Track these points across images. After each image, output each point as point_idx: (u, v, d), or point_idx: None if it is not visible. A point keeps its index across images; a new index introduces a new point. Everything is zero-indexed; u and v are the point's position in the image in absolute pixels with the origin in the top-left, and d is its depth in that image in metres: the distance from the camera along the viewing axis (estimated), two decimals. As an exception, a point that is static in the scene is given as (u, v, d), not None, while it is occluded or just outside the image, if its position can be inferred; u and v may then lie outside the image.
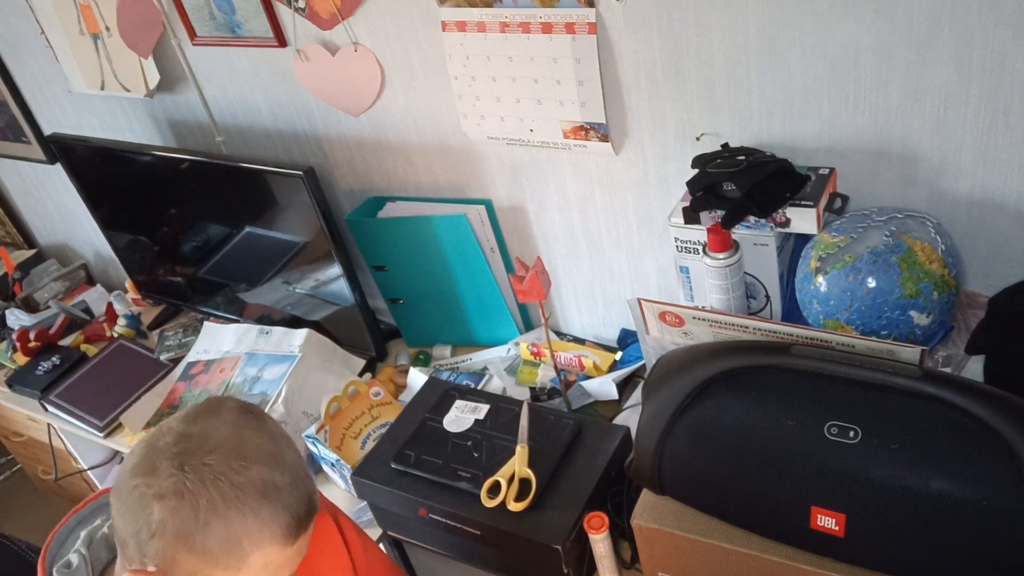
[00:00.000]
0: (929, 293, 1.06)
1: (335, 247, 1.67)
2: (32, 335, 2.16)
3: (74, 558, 0.95)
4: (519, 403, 1.36)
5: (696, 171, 1.22)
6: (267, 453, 0.87)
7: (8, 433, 2.46)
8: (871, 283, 1.07)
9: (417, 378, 1.64)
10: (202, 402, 0.92)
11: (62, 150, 2.05)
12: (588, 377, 1.59)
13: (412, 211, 1.70)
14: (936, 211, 1.19)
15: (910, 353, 0.93)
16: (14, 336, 2.18)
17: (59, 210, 2.61)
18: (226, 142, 1.97)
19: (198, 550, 0.83)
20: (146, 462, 0.85)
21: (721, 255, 1.21)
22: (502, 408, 1.36)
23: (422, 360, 1.82)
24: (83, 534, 0.97)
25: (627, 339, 1.66)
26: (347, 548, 1.14)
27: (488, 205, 1.64)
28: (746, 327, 1.08)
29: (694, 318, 1.13)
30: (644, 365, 1.46)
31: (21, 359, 2.16)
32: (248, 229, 1.84)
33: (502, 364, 1.72)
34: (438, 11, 1.43)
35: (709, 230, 1.20)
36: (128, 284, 2.31)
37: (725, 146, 1.27)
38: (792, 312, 1.29)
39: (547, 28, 1.33)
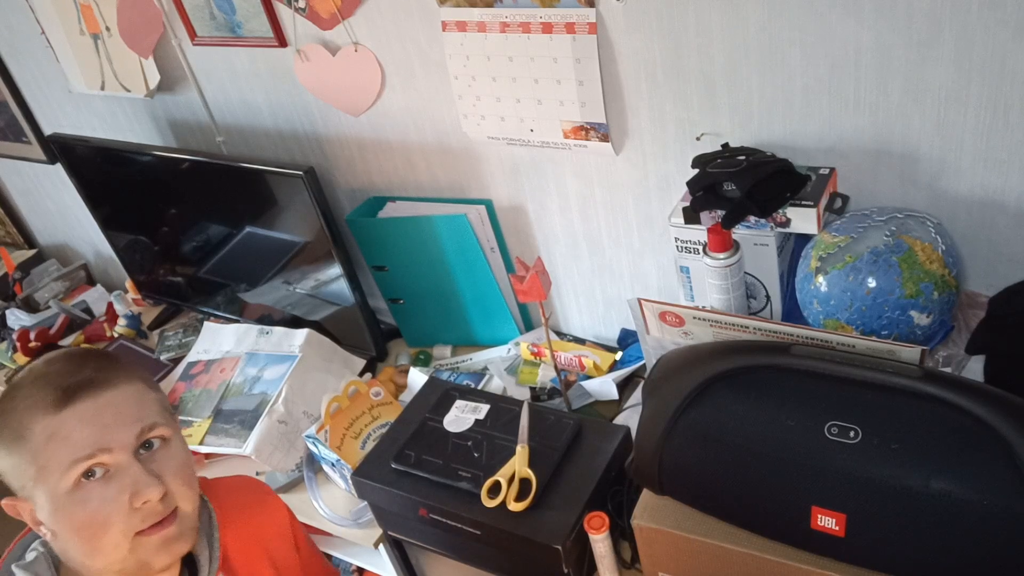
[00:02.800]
0: (929, 293, 1.06)
1: (335, 247, 1.67)
2: (32, 335, 2.16)
3: (30, 555, 0.97)
4: (519, 403, 1.36)
5: (696, 171, 1.22)
6: (53, 359, 0.94)
7: (8, 433, 2.46)
8: (871, 283, 1.07)
9: (417, 378, 1.64)
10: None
11: (62, 150, 2.05)
12: (588, 377, 1.59)
13: (412, 211, 1.70)
14: (936, 211, 1.19)
15: (910, 353, 0.93)
16: (14, 336, 2.18)
17: (59, 210, 2.61)
18: (226, 142, 1.97)
19: (5, 453, 0.90)
20: None
21: (721, 255, 1.21)
22: (502, 408, 1.36)
23: (422, 360, 1.82)
24: (40, 539, 0.99)
25: (627, 339, 1.66)
26: (290, 523, 1.18)
27: (488, 205, 1.64)
28: (746, 327, 1.08)
29: (694, 318, 1.13)
30: (644, 365, 1.46)
31: (21, 359, 2.16)
32: (248, 229, 1.84)
33: (502, 364, 1.72)
34: (438, 11, 1.43)
35: (709, 230, 1.20)
36: (128, 284, 2.31)
37: (725, 146, 1.27)
38: (792, 312, 1.29)
39: (547, 28, 1.33)
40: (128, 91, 2.01)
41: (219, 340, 1.90)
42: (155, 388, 0.99)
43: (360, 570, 1.75)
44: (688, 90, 1.28)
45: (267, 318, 1.97)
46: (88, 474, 0.89)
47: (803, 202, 1.16)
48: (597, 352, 1.62)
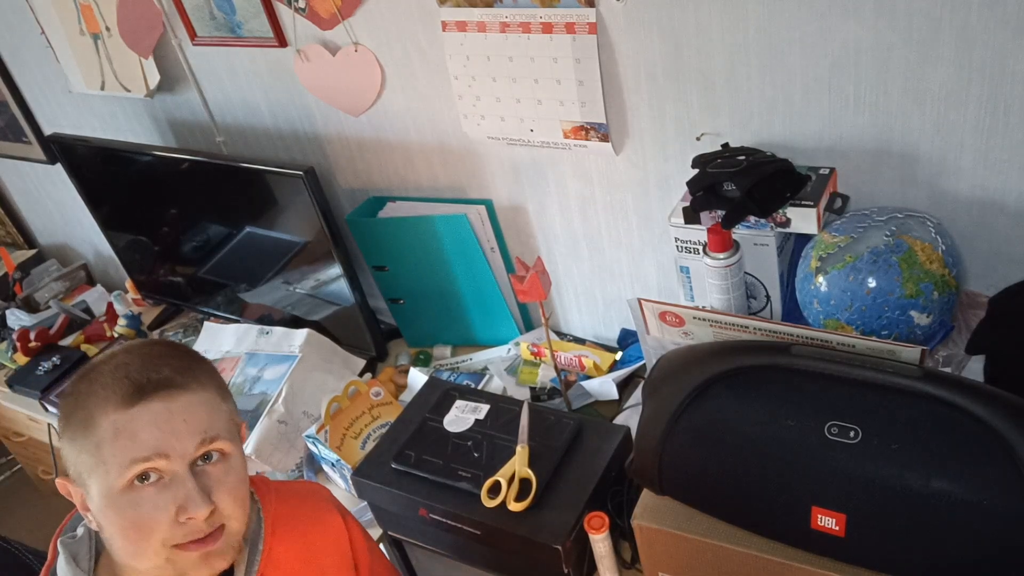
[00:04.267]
0: (929, 293, 1.06)
1: (335, 247, 1.67)
2: (32, 335, 2.16)
3: (80, 530, 0.98)
4: (519, 403, 1.36)
5: (696, 171, 1.22)
6: (137, 348, 0.93)
7: (8, 433, 2.46)
8: (871, 283, 1.07)
9: (417, 378, 1.64)
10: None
11: (62, 150, 2.05)
12: (588, 377, 1.59)
13: (412, 211, 1.70)
14: (936, 211, 1.19)
15: (910, 353, 0.93)
16: (14, 336, 2.18)
17: (59, 210, 2.61)
18: (226, 142, 1.97)
19: (70, 436, 0.90)
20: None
21: (721, 255, 1.21)
22: (502, 408, 1.36)
23: (422, 360, 1.82)
24: None
25: (627, 339, 1.66)
26: (350, 542, 1.14)
27: (488, 205, 1.64)
28: (746, 327, 1.08)
29: (694, 318, 1.13)
30: (644, 365, 1.46)
31: (21, 359, 2.16)
32: (248, 229, 1.84)
33: (502, 364, 1.72)
34: (438, 11, 1.43)
35: (709, 230, 1.20)
36: (128, 284, 2.31)
37: (725, 146, 1.27)
38: (792, 312, 1.29)
39: (547, 28, 1.33)
40: (128, 91, 2.01)
41: (219, 340, 1.90)
42: (227, 398, 0.98)
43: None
44: (688, 90, 1.28)
45: (267, 318, 1.97)
46: (142, 477, 0.88)
47: (803, 202, 1.16)
48: (597, 352, 1.62)
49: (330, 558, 1.10)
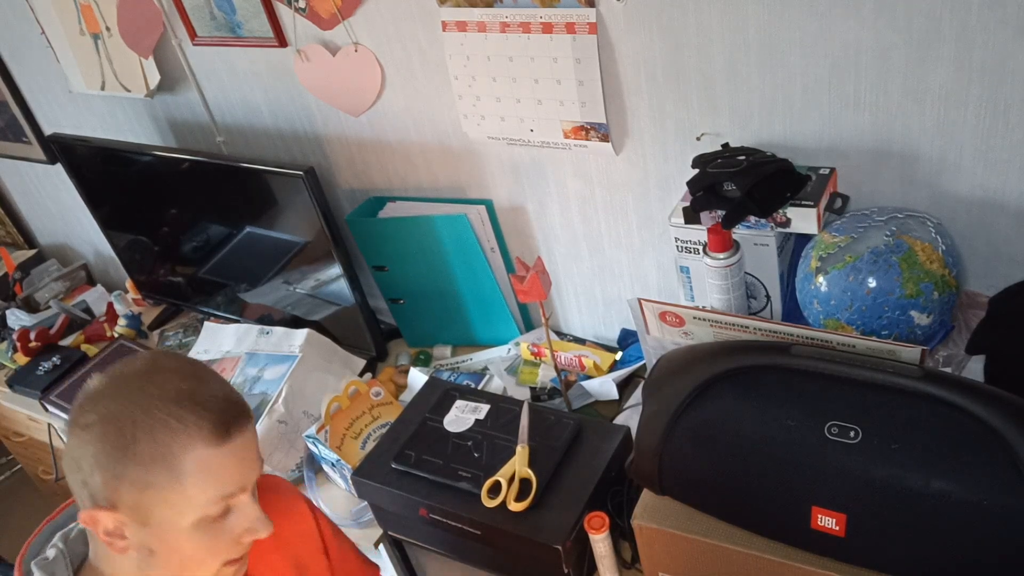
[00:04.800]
0: (929, 293, 1.06)
1: (335, 247, 1.67)
2: (32, 335, 2.16)
3: (51, 552, 0.96)
4: (519, 403, 1.36)
5: (696, 171, 1.22)
6: (177, 369, 0.90)
7: (8, 433, 2.46)
8: (871, 283, 1.07)
9: (417, 378, 1.64)
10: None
11: (62, 150, 2.05)
12: (588, 377, 1.59)
13: (412, 211, 1.70)
14: (936, 211, 1.19)
15: (910, 353, 0.93)
16: (14, 336, 2.18)
17: (59, 210, 2.61)
18: (226, 142, 1.97)
19: (134, 469, 0.85)
20: (77, 412, 0.88)
21: (721, 255, 1.21)
22: (502, 408, 1.36)
23: (422, 360, 1.82)
24: (59, 535, 0.98)
25: (627, 339, 1.66)
26: (319, 530, 1.16)
27: (488, 205, 1.64)
28: (746, 327, 1.08)
29: (694, 318, 1.13)
30: (644, 365, 1.46)
31: (21, 359, 2.16)
32: (248, 229, 1.84)
33: (502, 364, 1.72)
34: (438, 11, 1.43)
35: (709, 230, 1.20)
36: (128, 284, 2.31)
37: (725, 146, 1.27)
38: (792, 312, 1.29)
39: (547, 28, 1.33)
40: (128, 91, 2.01)
41: (219, 340, 1.90)
42: None
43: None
44: (688, 90, 1.28)
45: (267, 318, 1.97)
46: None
47: (803, 202, 1.16)
48: (597, 352, 1.62)
49: (304, 547, 1.13)
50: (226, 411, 0.88)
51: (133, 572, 0.93)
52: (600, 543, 1.17)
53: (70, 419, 0.88)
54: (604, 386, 1.53)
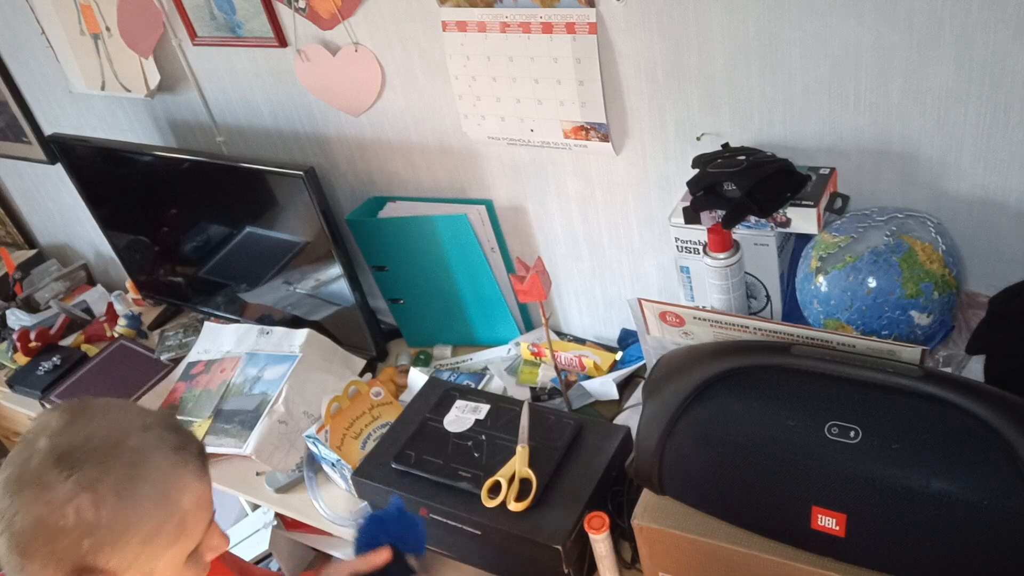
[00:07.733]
0: (930, 293, 1.06)
1: (335, 247, 1.67)
2: (33, 335, 2.16)
3: None
4: (519, 403, 1.36)
5: (696, 171, 1.22)
6: (135, 421, 0.92)
7: (8, 433, 2.46)
8: (872, 283, 1.07)
9: (418, 378, 1.64)
10: (59, 412, 0.91)
11: (62, 150, 2.05)
12: (588, 377, 1.59)
13: (412, 211, 1.70)
14: (937, 211, 1.19)
15: (910, 353, 0.93)
16: (15, 336, 2.18)
17: (59, 210, 2.61)
18: (226, 142, 1.97)
19: (137, 525, 0.86)
20: (28, 482, 0.84)
21: (721, 255, 1.21)
22: (502, 408, 1.36)
23: (423, 360, 1.82)
24: None
25: (627, 339, 1.66)
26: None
27: (488, 205, 1.64)
28: (746, 327, 1.08)
29: (695, 318, 1.13)
30: (644, 365, 1.46)
31: (22, 359, 2.16)
32: (249, 229, 1.84)
33: (503, 364, 1.72)
34: (438, 11, 1.43)
35: (710, 230, 1.20)
36: (129, 284, 2.31)
37: (725, 146, 1.27)
38: (792, 312, 1.29)
39: (547, 28, 1.33)
40: (128, 91, 2.01)
41: (219, 340, 1.90)
42: None
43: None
44: (688, 90, 1.28)
45: (267, 318, 1.97)
46: None
47: (803, 202, 1.16)
48: (597, 352, 1.62)
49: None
50: (194, 444, 0.96)
51: None
52: (600, 543, 1.17)
53: (14, 496, 0.83)
54: (604, 386, 1.53)
